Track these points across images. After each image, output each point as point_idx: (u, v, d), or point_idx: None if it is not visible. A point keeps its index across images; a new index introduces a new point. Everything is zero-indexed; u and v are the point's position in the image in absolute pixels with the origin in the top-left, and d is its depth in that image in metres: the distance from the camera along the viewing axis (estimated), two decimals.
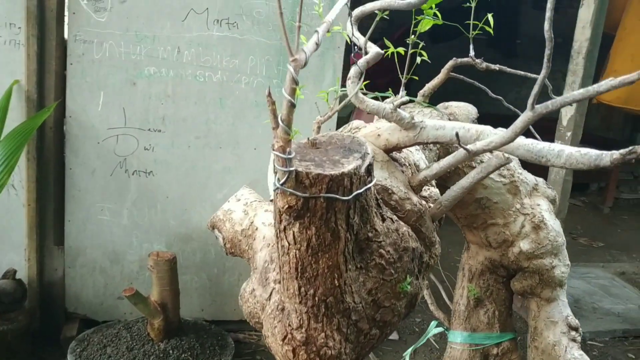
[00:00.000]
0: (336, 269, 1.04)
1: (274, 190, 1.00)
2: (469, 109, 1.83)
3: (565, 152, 1.04)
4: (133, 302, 2.73)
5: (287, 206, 0.97)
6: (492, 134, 1.12)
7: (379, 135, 1.37)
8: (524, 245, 1.65)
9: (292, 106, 0.92)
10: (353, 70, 1.30)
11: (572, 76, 3.71)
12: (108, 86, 2.87)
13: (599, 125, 8.11)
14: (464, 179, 1.30)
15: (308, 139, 1.15)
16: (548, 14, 0.91)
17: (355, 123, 1.58)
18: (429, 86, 1.76)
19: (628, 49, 4.30)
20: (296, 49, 0.90)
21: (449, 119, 1.78)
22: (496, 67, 1.69)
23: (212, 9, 2.91)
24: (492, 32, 1.47)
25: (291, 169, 0.96)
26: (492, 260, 1.76)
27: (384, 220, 1.17)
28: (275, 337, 1.18)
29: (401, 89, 1.54)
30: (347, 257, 1.06)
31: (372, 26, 1.29)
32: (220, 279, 3.32)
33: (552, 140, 8.67)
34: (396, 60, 1.45)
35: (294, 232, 1.01)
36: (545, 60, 0.94)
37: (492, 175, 1.53)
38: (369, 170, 1.04)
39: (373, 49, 1.33)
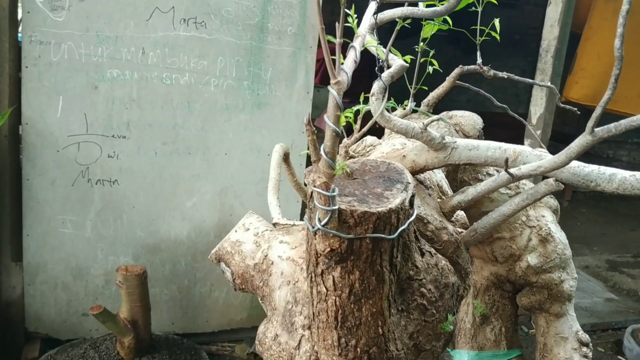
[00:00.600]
0: (380, 316, 0.94)
1: (313, 232, 0.89)
2: (474, 119, 1.76)
3: (617, 176, 0.97)
4: (101, 320, 2.56)
5: (329, 249, 0.87)
6: (532, 155, 1.04)
7: (404, 156, 1.26)
8: (532, 259, 1.59)
9: (337, 136, 0.80)
10: (377, 86, 1.20)
11: (540, 74, 3.72)
12: (68, 90, 2.68)
13: (555, 120, 8.27)
14: (505, 206, 1.21)
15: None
16: (620, 30, 0.82)
17: (369, 140, 1.48)
18: (433, 95, 1.69)
19: (594, 47, 4.35)
20: (337, 70, 0.79)
21: (455, 130, 1.70)
22: (504, 74, 1.62)
23: (179, 7, 2.76)
24: (498, 37, 1.40)
25: (334, 207, 0.84)
26: (498, 275, 1.70)
27: (423, 254, 1.08)
28: None
29: (410, 99, 1.45)
30: (390, 301, 0.96)
31: (394, 34, 1.19)
32: (191, 290, 3.17)
33: (519, 138, 8.67)
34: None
35: (334, 277, 0.90)
36: (612, 80, 0.85)
37: None
38: (412, 202, 0.95)
39: (397, 62, 1.24)
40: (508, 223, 1.61)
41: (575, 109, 1.67)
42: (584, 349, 1.57)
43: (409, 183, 0.93)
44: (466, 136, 1.56)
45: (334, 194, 0.83)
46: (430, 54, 1.41)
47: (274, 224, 1.46)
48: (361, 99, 1.34)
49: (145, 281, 2.66)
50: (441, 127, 1.55)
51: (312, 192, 0.85)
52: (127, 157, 2.85)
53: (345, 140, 1.25)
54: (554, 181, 1.18)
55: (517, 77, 1.72)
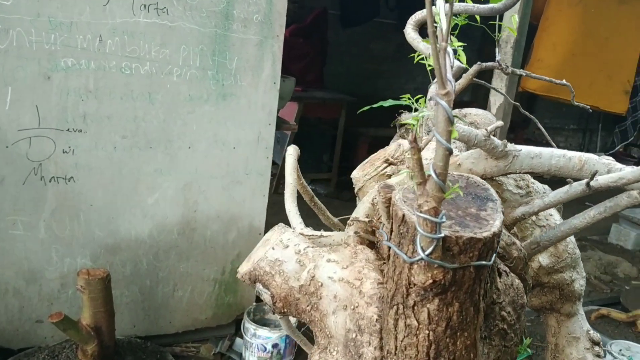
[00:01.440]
0: (473, 348, 0.87)
1: (413, 262, 0.80)
2: (489, 117, 1.71)
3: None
4: (62, 328, 2.38)
5: (430, 282, 0.79)
6: (600, 163, 1.00)
7: (459, 164, 1.20)
8: (544, 260, 1.57)
9: (449, 154, 0.71)
10: (434, 89, 1.12)
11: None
12: (17, 81, 2.46)
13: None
14: (577, 218, 1.15)
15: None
16: None
17: (406, 145, 1.39)
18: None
19: (550, 38, 4.44)
20: (444, 79, 0.70)
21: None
22: (522, 72, 1.57)
23: None
24: (515, 33, 1.35)
25: (440, 235, 0.76)
26: None
27: (500, 275, 1.01)
28: None
29: (427, 97, 1.38)
30: (481, 330, 0.89)
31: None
32: (154, 291, 3.02)
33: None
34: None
35: (429, 310, 0.82)
36: None
37: (510, 187, 1.43)
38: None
39: (455, 63, 1.16)
40: (519, 223, 1.59)
41: (588, 106, 1.65)
42: (596, 347, 1.57)
43: (497, 200, 0.87)
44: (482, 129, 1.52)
45: (442, 220, 0.75)
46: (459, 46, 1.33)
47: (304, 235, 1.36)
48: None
49: (109, 285, 2.50)
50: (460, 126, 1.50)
51: (401, 215, 0.76)
52: (84, 153, 2.66)
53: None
54: (638, 194, 1.10)
55: (534, 75, 1.66)
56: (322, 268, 1.14)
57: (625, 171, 0.97)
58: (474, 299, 0.83)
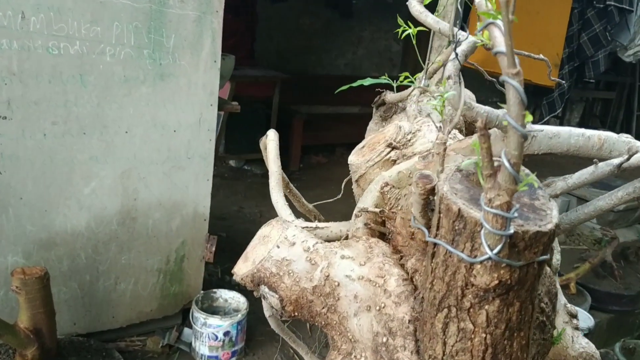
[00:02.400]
0: (526, 347, 0.82)
1: (478, 262, 0.73)
2: (469, 95, 1.66)
3: None
4: None
5: (496, 282, 0.72)
6: (620, 142, 0.97)
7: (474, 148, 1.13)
8: None
9: (524, 141, 0.64)
10: (452, 67, 1.05)
11: (438, 40, 3.75)
12: None
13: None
14: (603, 200, 1.11)
15: (457, 167, 0.85)
16: None
17: (406, 127, 1.31)
18: (430, 71, 1.56)
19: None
20: (511, 58, 0.63)
21: None
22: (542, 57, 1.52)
23: None
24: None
25: (510, 232, 0.69)
26: None
27: None
28: None
29: (422, 76, 1.32)
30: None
31: None
32: (94, 286, 2.84)
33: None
34: None
35: (488, 312, 0.76)
36: None
37: None
38: None
39: (468, 38, 1.10)
40: None
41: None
42: (574, 320, 1.60)
43: (542, 187, 0.82)
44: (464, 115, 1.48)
45: (515, 216, 0.69)
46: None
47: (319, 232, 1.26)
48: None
49: (48, 283, 2.32)
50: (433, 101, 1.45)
51: (456, 210, 0.69)
52: (10, 142, 2.43)
53: (440, 134, 1.02)
54: None
55: (536, 56, 1.61)
56: (337, 266, 1.06)
57: None
58: (533, 296, 0.79)
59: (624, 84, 9.70)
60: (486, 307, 0.78)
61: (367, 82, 1.39)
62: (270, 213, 5.12)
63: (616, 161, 0.99)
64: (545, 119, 5.28)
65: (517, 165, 0.63)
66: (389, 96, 1.38)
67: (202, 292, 3.15)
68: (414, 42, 1.34)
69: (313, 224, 1.28)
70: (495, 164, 0.78)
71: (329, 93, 7.98)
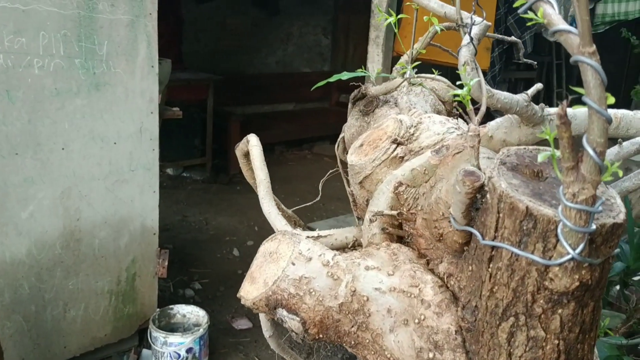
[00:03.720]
0: (594, 347, 0.76)
1: (551, 265, 0.67)
2: (445, 81, 1.61)
3: None
4: None
5: (577, 284, 0.66)
6: (636, 119, 0.94)
7: (491, 136, 1.07)
8: None
9: (609, 125, 0.58)
10: (467, 52, 0.98)
11: (375, 31, 3.76)
12: None
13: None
14: (629, 180, 1.06)
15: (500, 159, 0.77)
16: None
17: (407, 120, 1.22)
18: (406, 59, 1.50)
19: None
20: (587, 35, 0.56)
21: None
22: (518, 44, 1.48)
23: None
24: None
25: (593, 228, 0.63)
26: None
27: None
28: None
29: (409, 63, 1.25)
30: None
31: None
32: (41, 316, 2.64)
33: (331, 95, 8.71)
34: None
35: (561, 316, 0.70)
36: None
37: None
38: None
39: (478, 21, 1.03)
40: None
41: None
42: None
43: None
44: (442, 102, 1.44)
45: (600, 210, 0.63)
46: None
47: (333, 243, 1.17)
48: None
49: None
50: (419, 94, 1.39)
51: (523, 208, 0.62)
52: None
53: (472, 125, 0.94)
54: None
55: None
56: (363, 279, 0.97)
57: None
58: (602, 294, 0.74)
59: (543, 63, 10.13)
60: (560, 311, 0.72)
61: (345, 76, 1.33)
62: (216, 220, 4.99)
63: None
64: None
65: (603, 154, 0.58)
66: (373, 89, 1.32)
67: (158, 310, 3.00)
68: (397, 30, 1.28)
69: (315, 233, 1.20)
70: (528, 156, 0.73)
71: (262, 92, 7.89)
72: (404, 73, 1.32)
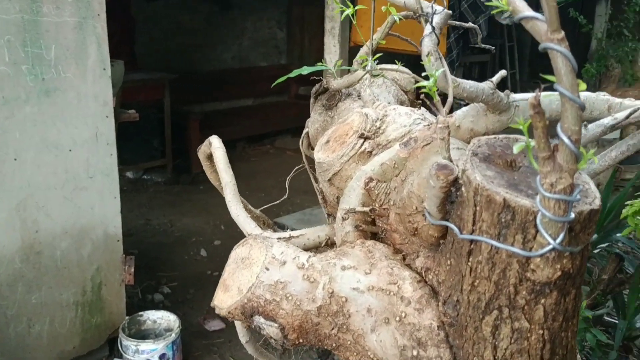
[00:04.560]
0: (576, 333, 0.76)
1: (538, 255, 0.66)
2: (406, 71, 1.59)
3: None
4: None
5: (559, 274, 0.65)
6: (599, 101, 0.94)
7: (458, 126, 1.05)
8: None
9: (582, 112, 0.56)
10: (430, 42, 0.95)
11: (330, 22, 3.73)
12: None
13: (313, 65, 8.62)
14: (615, 150, 1.05)
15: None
16: None
17: (372, 114, 1.18)
18: (366, 51, 1.47)
19: None
20: (555, 21, 0.54)
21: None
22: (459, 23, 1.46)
23: None
24: None
25: (572, 217, 0.62)
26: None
27: None
28: None
29: (369, 56, 1.23)
30: None
31: None
32: (4, 333, 2.55)
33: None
34: None
35: (544, 306, 0.69)
36: None
37: None
38: None
39: (438, 10, 1.01)
40: None
41: None
42: None
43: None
44: (405, 92, 1.42)
45: (578, 198, 0.62)
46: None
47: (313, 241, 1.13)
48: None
49: None
50: (381, 85, 1.37)
51: (500, 200, 0.60)
52: None
53: (440, 117, 0.92)
54: None
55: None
56: (340, 279, 0.95)
57: None
58: (582, 280, 0.74)
59: (496, 45, 10.29)
60: (542, 301, 0.72)
61: (305, 70, 1.30)
62: (181, 221, 4.90)
63: (607, 121, 0.98)
64: None
65: (578, 142, 0.56)
66: (334, 83, 1.29)
67: (127, 317, 2.93)
68: (354, 21, 1.26)
69: (286, 234, 1.17)
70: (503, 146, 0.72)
71: (220, 89, 7.78)
72: (365, 65, 1.30)
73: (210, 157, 1.42)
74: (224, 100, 7.27)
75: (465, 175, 0.74)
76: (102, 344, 2.93)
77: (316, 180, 1.33)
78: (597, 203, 0.66)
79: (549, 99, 1.02)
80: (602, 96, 1.03)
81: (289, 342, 0.95)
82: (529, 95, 1.03)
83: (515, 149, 0.64)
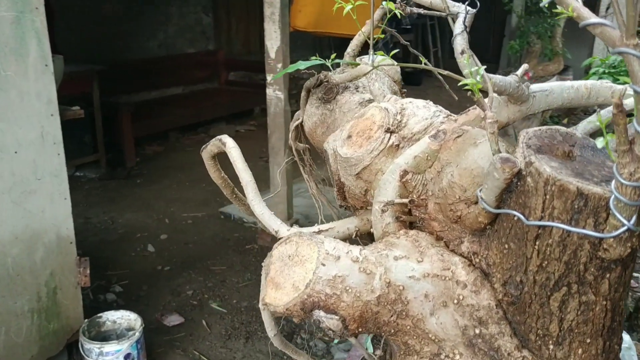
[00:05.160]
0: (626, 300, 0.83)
1: (608, 237, 0.73)
2: (388, 62, 1.61)
3: None
4: None
5: (629, 251, 0.73)
6: (603, 87, 1.00)
7: (482, 117, 1.08)
8: None
9: None
10: (462, 40, 0.98)
11: (269, 8, 3.71)
12: None
13: (241, 51, 8.53)
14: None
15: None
16: None
17: (392, 108, 1.19)
18: (356, 44, 1.48)
19: None
20: (632, 28, 0.58)
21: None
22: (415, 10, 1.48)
23: None
24: None
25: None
26: None
27: None
28: None
29: (370, 50, 1.25)
30: None
31: None
32: None
33: (216, 74, 8.61)
34: None
35: (609, 280, 0.78)
36: None
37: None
38: None
39: (462, 8, 1.04)
40: None
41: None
42: None
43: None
44: (394, 81, 1.45)
45: None
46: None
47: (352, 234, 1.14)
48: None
49: None
50: (381, 77, 1.39)
51: (574, 189, 0.66)
52: None
53: (472, 110, 0.96)
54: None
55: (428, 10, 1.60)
56: (395, 269, 1.00)
57: None
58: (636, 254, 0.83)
59: (418, 24, 10.57)
60: (608, 275, 0.81)
61: (302, 65, 1.30)
62: (123, 218, 4.78)
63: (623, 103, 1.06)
64: None
65: None
66: (337, 77, 1.30)
67: (86, 320, 2.84)
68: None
69: (315, 228, 1.19)
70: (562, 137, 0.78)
71: (148, 78, 7.54)
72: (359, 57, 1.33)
73: (214, 156, 1.41)
74: (153, 89, 7.07)
75: (533, 167, 0.81)
76: (61, 349, 2.84)
77: (305, 172, 1.36)
78: None
79: (560, 88, 1.09)
80: (606, 84, 1.11)
81: (349, 332, 0.99)
82: (545, 86, 1.10)
83: (599, 143, 0.71)
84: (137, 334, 2.78)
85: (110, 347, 2.68)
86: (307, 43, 8.69)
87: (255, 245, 4.34)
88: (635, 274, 4.09)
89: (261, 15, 9.02)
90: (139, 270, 3.96)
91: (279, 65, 3.79)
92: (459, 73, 1.01)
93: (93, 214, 4.85)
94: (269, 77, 3.88)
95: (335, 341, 1.54)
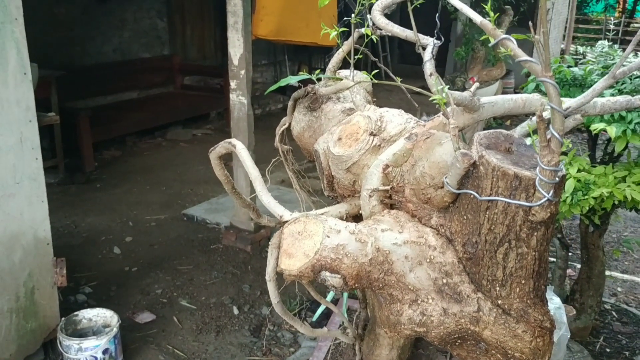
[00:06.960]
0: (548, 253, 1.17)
1: (538, 205, 1.05)
2: (364, 77, 1.84)
3: (598, 103, 1.28)
4: None
5: (549, 215, 1.05)
6: (535, 100, 1.26)
7: (445, 124, 1.36)
8: None
9: (564, 118, 0.87)
10: (431, 66, 1.20)
11: (232, 17, 3.88)
12: None
13: (196, 56, 8.63)
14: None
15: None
16: None
17: (373, 115, 1.46)
18: (336, 61, 1.68)
19: None
20: (547, 65, 0.82)
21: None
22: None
23: None
24: None
25: (557, 180, 1.03)
26: None
27: None
28: (519, 338, 1.21)
29: (351, 69, 1.46)
30: None
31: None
32: None
33: (172, 79, 8.66)
34: None
35: (537, 236, 1.10)
36: None
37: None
38: None
39: (429, 41, 1.28)
40: None
41: None
42: None
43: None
44: (367, 92, 1.67)
45: (562, 168, 1.02)
46: None
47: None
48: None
49: None
50: (358, 89, 1.61)
51: (512, 173, 0.96)
52: None
53: (438, 118, 1.26)
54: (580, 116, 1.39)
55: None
56: (382, 238, 1.29)
57: (570, 101, 1.29)
58: (555, 219, 1.15)
59: None
60: (536, 234, 1.14)
61: (292, 79, 1.49)
62: (85, 222, 4.85)
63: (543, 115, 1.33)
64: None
65: (562, 136, 0.93)
66: (324, 90, 1.54)
67: (63, 319, 2.95)
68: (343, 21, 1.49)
69: (313, 213, 1.41)
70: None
71: (103, 83, 7.55)
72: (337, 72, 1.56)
73: (221, 157, 1.61)
74: (108, 94, 7.10)
75: (484, 159, 1.10)
76: (38, 348, 2.93)
77: (293, 172, 1.58)
78: (564, 170, 1.05)
79: (502, 100, 1.37)
80: (536, 97, 1.39)
81: (348, 287, 1.29)
82: (491, 99, 1.37)
83: (528, 141, 0.98)
84: (115, 329, 2.91)
85: (89, 342, 2.80)
86: (262, 48, 8.88)
87: (219, 245, 4.49)
88: (571, 263, 4.49)
89: (216, 21, 9.11)
90: (106, 271, 4.05)
91: (242, 72, 3.98)
92: (410, 77, 1.29)
93: (55, 219, 4.84)
94: (232, 83, 4.05)
95: (307, 326, 1.73)
